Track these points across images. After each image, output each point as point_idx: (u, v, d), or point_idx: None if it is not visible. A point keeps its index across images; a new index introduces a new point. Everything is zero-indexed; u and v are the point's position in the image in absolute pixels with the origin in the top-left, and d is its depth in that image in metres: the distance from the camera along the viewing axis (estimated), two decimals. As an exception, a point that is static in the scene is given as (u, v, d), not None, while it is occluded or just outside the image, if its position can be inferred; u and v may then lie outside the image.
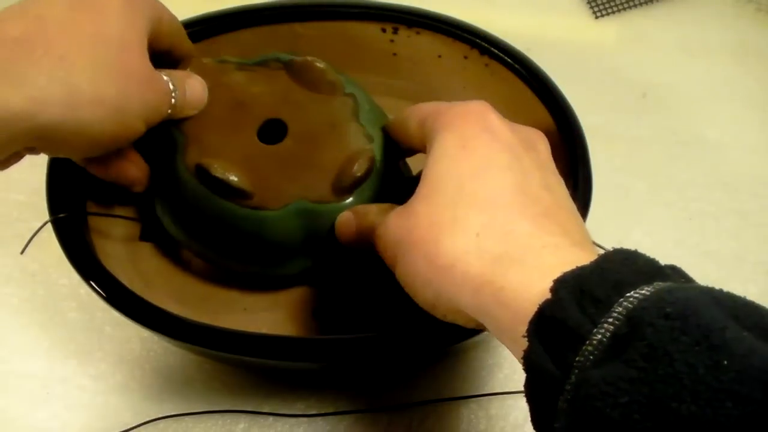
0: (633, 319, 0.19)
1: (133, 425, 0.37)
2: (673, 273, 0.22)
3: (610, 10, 0.53)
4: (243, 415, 0.37)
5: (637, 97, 0.49)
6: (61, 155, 0.31)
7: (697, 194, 0.45)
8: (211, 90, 0.36)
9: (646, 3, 0.53)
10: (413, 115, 0.32)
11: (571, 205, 0.28)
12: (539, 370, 0.21)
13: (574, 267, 0.21)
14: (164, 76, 0.32)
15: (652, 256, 0.22)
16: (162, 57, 0.34)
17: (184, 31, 0.35)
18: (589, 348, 0.19)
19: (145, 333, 0.38)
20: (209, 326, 0.31)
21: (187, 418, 0.37)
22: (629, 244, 0.42)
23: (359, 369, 0.37)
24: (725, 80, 0.50)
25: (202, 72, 0.36)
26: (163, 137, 0.35)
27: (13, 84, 0.25)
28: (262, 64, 0.37)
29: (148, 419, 0.37)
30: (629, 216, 0.44)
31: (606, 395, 0.18)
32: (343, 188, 0.33)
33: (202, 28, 0.41)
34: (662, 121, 0.48)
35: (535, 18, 0.53)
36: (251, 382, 0.38)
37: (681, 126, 0.48)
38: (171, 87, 0.32)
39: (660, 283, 0.20)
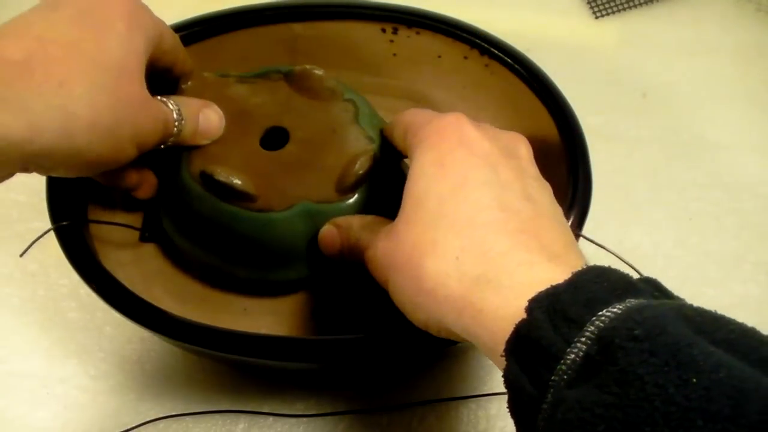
0: (603, 339, 0.19)
1: (133, 425, 0.37)
2: (647, 287, 0.22)
3: (610, 10, 0.53)
4: (243, 415, 0.37)
5: (637, 97, 0.49)
6: (52, 175, 0.31)
7: (697, 194, 0.45)
8: (214, 100, 0.36)
9: (646, 3, 0.53)
10: (398, 124, 0.32)
11: (553, 212, 0.27)
12: (517, 389, 0.21)
13: (548, 285, 0.22)
14: (170, 103, 0.32)
15: (628, 271, 0.23)
16: (162, 74, 0.34)
17: (183, 48, 0.35)
18: (563, 367, 0.20)
19: (145, 333, 0.38)
20: (209, 326, 0.31)
21: (187, 418, 0.37)
22: (629, 244, 0.43)
23: (358, 369, 0.37)
24: (725, 80, 0.50)
25: (203, 85, 0.36)
26: (167, 150, 0.35)
27: (11, 110, 0.25)
28: (263, 76, 0.38)
29: (148, 419, 0.37)
30: (629, 216, 0.44)
31: (583, 422, 0.18)
32: (345, 187, 0.33)
33: (202, 28, 0.41)
34: (662, 121, 0.48)
35: (535, 18, 0.53)
36: (251, 382, 0.38)
37: (681, 126, 0.48)
38: (175, 115, 0.32)
39: (632, 300, 0.20)
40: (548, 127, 0.39)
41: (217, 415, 0.37)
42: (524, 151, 0.30)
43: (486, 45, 0.41)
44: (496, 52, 0.41)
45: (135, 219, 0.39)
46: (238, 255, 0.35)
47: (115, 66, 0.28)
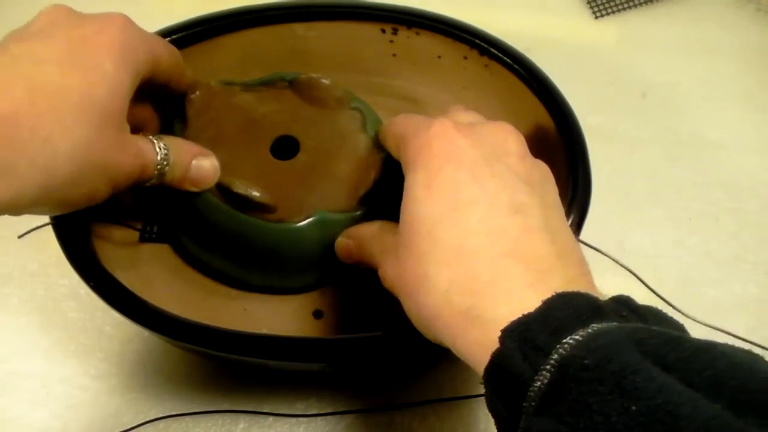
0: (563, 367, 0.20)
1: (133, 425, 0.37)
2: (618, 306, 0.22)
3: (610, 10, 0.53)
4: (243, 415, 0.37)
5: (637, 97, 0.49)
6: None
7: (697, 194, 0.45)
8: (221, 111, 0.36)
9: (646, 3, 0.53)
10: (389, 135, 0.33)
11: (544, 218, 0.27)
12: (495, 414, 0.23)
13: (520, 315, 0.22)
14: (158, 145, 0.31)
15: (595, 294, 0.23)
16: (161, 87, 0.34)
17: (182, 63, 0.34)
18: (531, 395, 0.21)
19: (145, 333, 0.38)
20: (209, 326, 0.31)
21: (187, 418, 0.37)
22: (629, 244, 0.43)
23: (359, 369, 0.37)
24: (725, 80, 0.50)
25: (210, 95, 0.37)
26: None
27: None
28: (268, 84, 0.38)
29: (148, 419, 0.37)
30: (629, 216, 0.44)
31: None
32: (360, 196, 0.34)
33: (203, 28, 0.41)
34: (662, 121, 0.48)
35: (535, 18, 0.53)
36: (251, 382, 0.38)
37: (681, 126, 0.48)
38: (159, 157, 0.31)
39: (595, 325, 0.21)
40: (548, 127, 0.39)
41: (217, 415, 0.37)
42: (513, 144, 0.29)
43: (486, 45, 0.41)
44: (496, 52, 0.41)
45: (135, 219, 0.39)
46: (254, 263, 0.35)
47: (99, 113, 0.27)
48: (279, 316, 0.36)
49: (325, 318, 0.37)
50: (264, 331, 0.36)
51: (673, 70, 0.50)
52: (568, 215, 0.35)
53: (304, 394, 0.37)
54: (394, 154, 0.32)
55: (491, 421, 0.37)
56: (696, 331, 0.34)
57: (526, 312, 0.22)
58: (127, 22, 0.30)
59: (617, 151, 0.46)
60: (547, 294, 0.23)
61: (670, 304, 0.34)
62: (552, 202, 0.28)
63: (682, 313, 0.34)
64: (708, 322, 0.37)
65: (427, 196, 0.27)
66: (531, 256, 0.25)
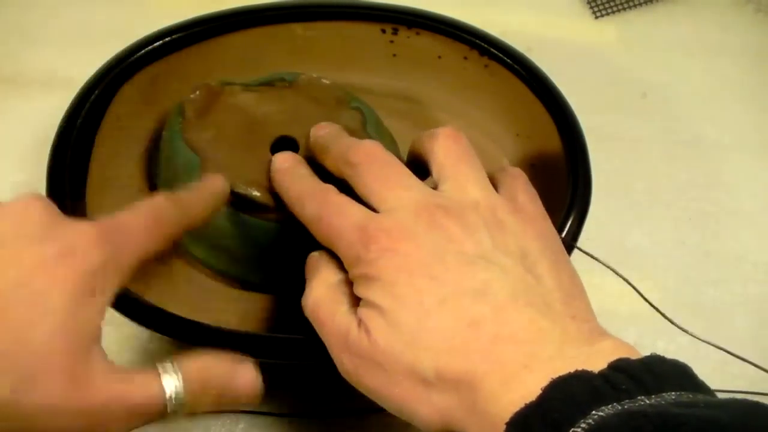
0: None
1: (133, 425, 0.37)
2: (617, 379, 0.21)
3: (610, 10, 0.53)
4: (243, 415, 0.37)
5: (637, 97, 0.49)
6: None
7: (697, 194, 0.45)
8: (221, 111, 0.36)
9: (646, 3, 0.53)
10: (297, 212, 0.30)
11: (507, 294, 0.25)
12: None
13: (522, 405, 0.22)
14: (167, 375, 0.25)
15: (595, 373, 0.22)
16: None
17: (180, 220, 0.29)
18: None
19: (145, 333, 0.38)
20: (209, 326, 0.32)
21: (187, 418, 0.37)
22: (629, 244, 0.43)
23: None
24: (725, 80, 0.50)
25: (209, 95, 0.37)
26: (178, 161, 0.35)
27: None
28: (268, 84, 0.38)
29: (148, 419, 0.37)
30: (629, 216, 0.44)
31: None
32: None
33: (202, 28, 0.41)
34: (662, 121, 0.48)
35: (535, 18, 0.53)
36: (251, 383, 0.38)
37: (681, 126, 0.48)
38: (168, 392, 0.25)
39: (596, 413, 0.20)
40: (548, 127, 0.39)
41: (217, 415, 0.37)
42: (450, 224, 0.27)
43: (486, 45, 0.41)
44: (496, 52, 0.41)
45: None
46: (254, 263, 0.35)
47: (59, 372, 0.22)
48: (279, 316, 0.36)
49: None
50: (264, 330, 0.36)
51: (673, 70, 0.50)
52: (567, 216, 0.35)
53: (305, 394, 0.37)
54: (306, 224, 0.29)
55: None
56: (690, 346, 0.34)
57: (526, 401, 0.22)
58: (112, 244, 0.24)
59: (617, 151, 0.46)
60: (544, 371, 0.22)
61: (665, 316, 0.34)
62: (513, 252, 0.27)
63: (676, 325, 0.34)
64: (706, 326, 0.37)
65: (395, 311, 0.25)
66: (515, 331, 0.24)
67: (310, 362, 0.32)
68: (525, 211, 0.29)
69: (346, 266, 0.28)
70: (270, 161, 0.35)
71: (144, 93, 0.40)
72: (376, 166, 0.29)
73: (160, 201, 0.28)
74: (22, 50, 0.48)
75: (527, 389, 0.22)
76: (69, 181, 0.36)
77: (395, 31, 0.42)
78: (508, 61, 0.40)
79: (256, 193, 0.33)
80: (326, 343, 0.28)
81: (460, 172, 0.29)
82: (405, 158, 0.38)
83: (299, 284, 0.36)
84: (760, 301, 0.41)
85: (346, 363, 0.27)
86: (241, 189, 0.33)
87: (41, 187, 0.35)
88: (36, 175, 0.37)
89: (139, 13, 0.49)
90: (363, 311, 0.26)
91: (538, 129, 0.39)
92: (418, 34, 0.42)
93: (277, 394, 0.38)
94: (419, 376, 0.25)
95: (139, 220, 0.26)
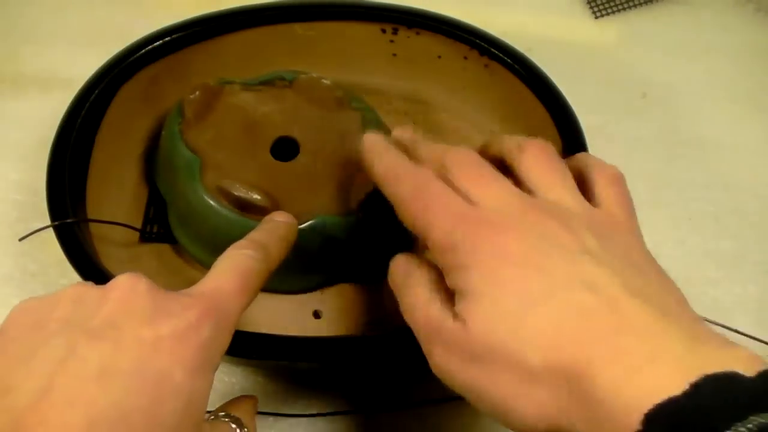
0: None
1: (133, 425, 0.37)
2: (766, 385, 0.20)
3: (610, 10, 0.53)
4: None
5: (637, 97, 0.49)
6: None
7: (697, 194, 0.45)
8: (221, 111, 0.36)
9: (646, 3, 0.53)
10: (400, 208, 0.28)
11: (619, 289, 0.23)
12: None
13: (662, 397, 0.20)
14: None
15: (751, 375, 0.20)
16: None
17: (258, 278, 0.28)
18: None
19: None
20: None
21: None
22: (629, 244, 0.43)
23: (359, 369, 0.37)
24: (725, 80, 0.50)
25: (209, 95, 0.36)
26: (178, 161, 0.35)
27: None
28: (267, 83, 0.38)
29: (148, 419, 0.37)
30: (629, 216, 0.44)
31: None
32: (361, 199, 0.34)
33: (202, 28, 0.41)
34: (662, 121, 0.48)
35: (535, 18, 0.53)
36: (251, 382, 0.38)
37: (681, 126, 0.48)
38: None
39: (754, 418, 0.19)
40: (548, 128, 0.39)
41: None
42: (618, 210, 0.27)
43: (486, 45, 0.41)
44: (496, 52, 0.41)
45: (135, 219, 0.39)
46: None
47: None
48: (279, 316, 0.36)
49: (324, 318, 0.37)
50: (264, 331, 0.36)
51: (673, 70, 0.50)
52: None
53: (304, 394, 0.37)
54: (412, 227, 0.28)
55: (490, 421, 0.37)
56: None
57: (661, 395, 0.20)
58: (215, 315, 0.25)
59: (617, 151, 0.46)
60: (675, 367, 0.21)
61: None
62: (620, 255, 0.25)
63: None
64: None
65: (497, 301, 0.24)
66: (634, 324, 0.22)
67: (310, 362, 0.32)
68: (625, 226, 0.28)
69: (437, 254, 0.26)
70: (269, 162, 0.35)
71: (144, 93, 0.40)
72: (474, 168, 0.28)
73: (247, 255, 0.28)
74: (22, 50, 0.48)
75: (657, 383, 0.20)
76: (69, 181, 0.36)
77: (395, 31, 0.42)
78: (508, 60, 0.40)
79: (255, 196, 0.33)
80: (418, 339, 0.27)
81: (556, 184, 0.28)
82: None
83: (299, 283, 0.36)
84: (760, 301, 0.41)
85: (437, 357, 0.25)
86: (241, 191, 0.33)
87: (41, 187, 0.35)
88: (36, 175, 0.37)
89: (139, 13, 0.49)
90: (459, 301, 0.25)
91: (538, 129, 0.39)
92: (418, 33, 0.42)
93: (276, 394, 0.38)
94: (522, 368, 0.23)
95: (234, 284, 0.26)
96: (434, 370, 0.26)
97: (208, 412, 0.27)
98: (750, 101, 0.49)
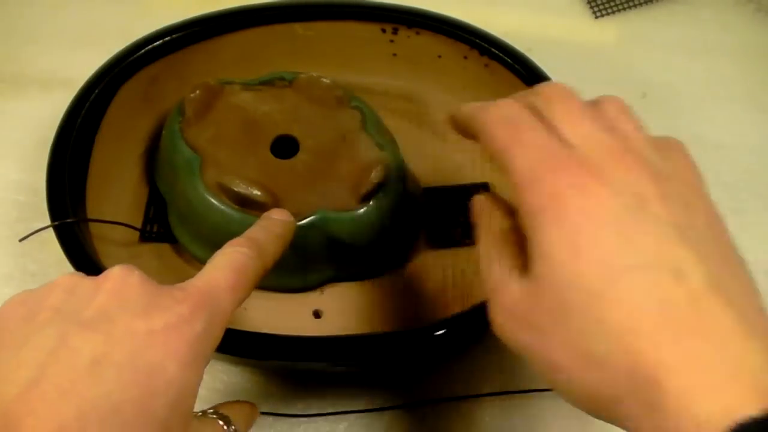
0: None
1: (133, 425, 0.37)
2: None
3: (610, 10, 0.53)
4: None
5: (637, 97, 0.49)
6: None
7: (697, 194, 0.45)
8: (221, 110, 0.36)
9: (646, 3, 0.53)
10: (486, 135, 0.26)
11: (703, 281, 0.21)
12: None
13: (731, 421, 0.18)
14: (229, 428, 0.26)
15: None
16: None
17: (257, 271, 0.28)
18: None
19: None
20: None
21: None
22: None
23: (359, 369, 0.37)
24: (725, 80, 0.50)
25: (209, 94, 0.37)
26: (178, 160, 0.35)
27: None
28: (268, 83, 0.38)
29: (148, 419, 0.37)
30: (629, 216, 0.44)
31: None
32: (362, 195, 0.34)
33: (202, 28, 0.41)
34: (662, 121, 0.48)
35: (535, 18, 0.53)
36: (251, 382, 0.38)
37: (681, 126, 0.48)
38: None
39: None
40: (548, 127, 0.39)
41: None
42: (648, 182, 0.23)
43: (486, 45, 0.41)
44: (496, 52, 0.41)
45: (135, 218, 0.39)
46: None
47: (157, 428, 0.22)
48: (279, 315, 0.36)
49: (324, 318, 0.37)
50: (263, 330, 0.36)
51: (673, 70, 0.50)
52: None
53: (304, 394, 0.37)
54: (495, 159, 0.26)
55: (492, 420, 0.37)
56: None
57: (737, 413, 0.19)
58: (208, 309, 0.24)
59: (617, 151, 0.46)
60: (752, 385, 0.19)
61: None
62: (700, 218, 0.24)
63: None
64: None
65: (573, 263, 0.22)
66: (715, 329, 0.20)
67: (310, 362, 0.32)
68: (701, 191, 0.26)
69: (517, 194, 0.24)
70: (269, 160, 0.35)
71: (144, 93, 0.40)
72: (568, 102, 0.26)
73: (242, 252, 0.27)
74: (22, 50, 0.48)
75: (733, 400, 0.19)
76: (69, 181, 0.36)
77: (395, 31, 0.42)
78: (508, 60, 0.40)
79: (255, 192, 0.33)
80: (484, 293, 0.25)
81: (642, 129, 0.26)
82: (404, 158, 0.38)
83: (299, 281, 0.36)
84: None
85: (499, 317, 0.24)
86: (241, 188, 0.33)
87: (41, 187, 0.35)
88: (36, 175, 0.37)
89: (139, 13, 0.49)
90: (530, 258, 0.23)
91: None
92: (418, 33, 0.42)
93: (276, 394, 0.38)
94: (584, 349, 0.21)
95: (228, 280, 0.26)
96: (492, 326, 0.25)
97: (201, 411, 0.27)
98: (750, 101, 0.49)
